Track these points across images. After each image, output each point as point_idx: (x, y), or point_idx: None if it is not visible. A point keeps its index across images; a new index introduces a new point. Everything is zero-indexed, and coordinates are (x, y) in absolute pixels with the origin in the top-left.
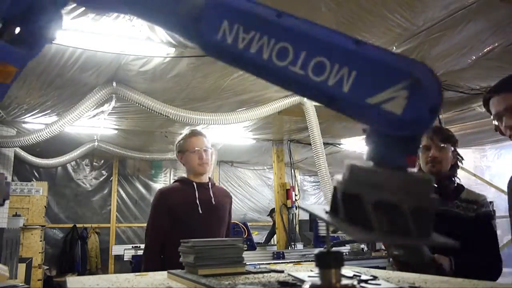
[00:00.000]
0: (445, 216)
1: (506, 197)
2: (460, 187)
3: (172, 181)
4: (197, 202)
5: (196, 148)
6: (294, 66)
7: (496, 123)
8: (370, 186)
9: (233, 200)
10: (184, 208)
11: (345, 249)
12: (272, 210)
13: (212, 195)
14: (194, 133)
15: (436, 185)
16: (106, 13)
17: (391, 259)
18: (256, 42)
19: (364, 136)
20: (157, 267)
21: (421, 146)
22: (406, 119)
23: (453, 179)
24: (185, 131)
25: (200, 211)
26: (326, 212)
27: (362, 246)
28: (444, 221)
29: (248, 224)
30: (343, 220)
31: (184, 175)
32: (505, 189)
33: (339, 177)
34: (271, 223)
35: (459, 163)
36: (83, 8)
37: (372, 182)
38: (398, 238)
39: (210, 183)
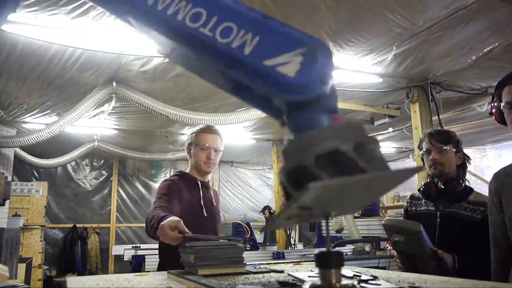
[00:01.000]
0: (452, 217)
1: None
2: (468, 189)
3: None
4: (202, 203)
5: (206, 145)
6: (204, 28)
7: (506, 111)
8: (305, 149)
9: (233, 200)
10: (189, 209)
11: (347, 249)
12: (265, 208)
13: (212, 196)
14: (208, 130)
15: (442, 187)
16: None
17: (394, 252)
18: (175, 5)
19: (284, 122)
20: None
21: (423, 150)
22: (297, 82)
23: (460, 180)
24: (200, 126)
25: (205, 214)
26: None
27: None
28: (452, 222)
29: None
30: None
31: (184, 169)
32: None
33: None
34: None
35: (467, 163)
36: (83, 8)
37: (305, 145)
38: (354, 177)
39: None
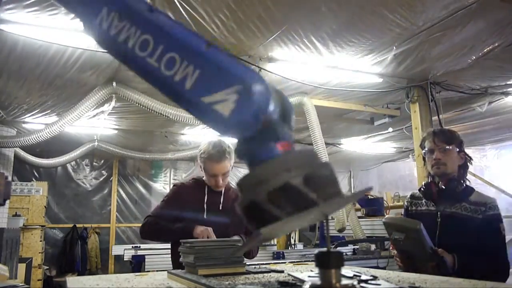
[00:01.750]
0: (453, 217)
1: (506, 197)
2: (470, 189)
3: (188, 178)
4: (204, 206)
5: (215, 173)
6: (151, 58)
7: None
8: (256, 186)
9: None
10: (190, 209)
11: (348, 249)
12: None
13: (221, 200)
14: (217, 158)
15: (443, 187)
16: None
17: (394, 251)
18: (126, 31)
19: (236, 154)
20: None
21: (426, 148)
22: (231, 121)
23: (462, 180)
24: (209, 145)
25: (205, 216)
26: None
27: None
28: (452, 222)
29: None
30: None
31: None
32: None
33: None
34: None
35: (469, 164)
36: None
37: (256, 182)
38: (307, 213)
39: (224, 189)
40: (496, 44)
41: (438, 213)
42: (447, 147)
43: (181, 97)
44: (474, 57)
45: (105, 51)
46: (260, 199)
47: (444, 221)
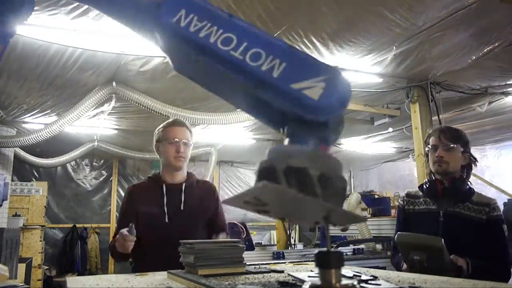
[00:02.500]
0: (457, 217)
1: (506, 197)
2: (471, 190)
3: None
4: (165, 209)
5: (175, 139)
6: (235, 52)
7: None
8: (282, 156)
9: None
10: (150, 216)
11: (348, 249)
12: None
13: (183, 199)
14: (175, 123)
15: (447, 186)
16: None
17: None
18: (206, 29)
19: (285, 131)
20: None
21: (430, 145)
22: (320, 104)
23: (465, 181)
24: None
25: (167, 220)
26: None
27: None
28: (455, 222)
29: (249, 224)
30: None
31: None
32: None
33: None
34: (272, 223)
35: (473, 165)
36: (83, 8)
37: (284, 153)
38: (305, 200)
39: (184, 184)
40: (496, 44)
41: (441, 212)
42: (452, 145)
43: (268, 84)
44: (474, 57)
45: (177, 42)
46: (279, 167)
47: (447, 221)
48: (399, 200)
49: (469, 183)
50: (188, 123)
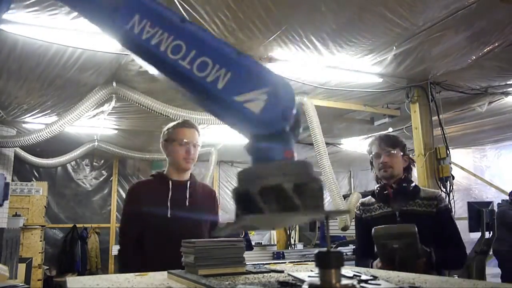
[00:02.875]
0: (411, 214)
1: (506, 196)
2: (417, 187)
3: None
4: (168, 204)
5: (185, 140)
6: (183, 61)
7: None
8: (253, 179)
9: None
10: (153, 212)
11: (348, 249)
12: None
13: (188, 196)
14: (186, 124)
15: (396, 188)
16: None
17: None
18: (158, 36)
19: (245, 149)
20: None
21: (373, 153)
22: (261, 118)
23: (410, 180)
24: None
25: (169, 215)
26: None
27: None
28: (411, 219)
29: None
30: (245, 217)
31: (165, 169)
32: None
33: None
34: None
35: (412, 166)
36: None
37: (255, 176)
38: (287, 214)
39: (189, 182)
40: (496, 44)
41: (397, 213)
42: (392, 151)
43: (212, 96)
44: (474, 57)
45: (132, 52)
46: (253, 191)
47: (404, 219)
48: (355, 210)
49: (413, 181)
50: (197, 125)
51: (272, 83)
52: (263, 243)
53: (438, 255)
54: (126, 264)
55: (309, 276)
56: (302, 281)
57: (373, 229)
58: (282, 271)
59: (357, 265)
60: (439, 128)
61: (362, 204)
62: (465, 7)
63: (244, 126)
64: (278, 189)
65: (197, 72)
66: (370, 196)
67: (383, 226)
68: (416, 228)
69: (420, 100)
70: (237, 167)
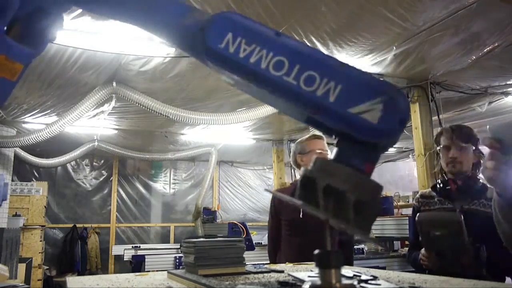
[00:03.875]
0: (474, 214)
1: None
2: (484, 186)
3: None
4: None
5: (318, 150)
6: (288, 77)
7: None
8: (325, 172)
9: (233, 200)
10: (287, 210)
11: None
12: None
13: None
14: (317, 136)
15: (461, 184)
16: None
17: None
18: (256, 54)
19: (335, 142)
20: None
21: (441, 145)
22: (379, 128)
23: (477, 178)
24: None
25: (301, 216)
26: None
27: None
28: (473, 219)
29: (248, 224)
30: (306, 201)
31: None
32: None
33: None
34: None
35: (482, 162)
36: None
37: (328, 170)
38: (337, 222)
39: None
40: (496, 44)
41: (457, 210)
42: (464, 145)
43: (324, 110)
44: (474, 57)
45: (231, 72)
46: (319, 182)
47: (465, 218)
48: (414, 202)
49: (480, 179)
50: (324, 136)
51: (385, 92)
52: (263, 243)
53: (490, 253)
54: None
55: (309, 276)
56: (302, 281)
57: (417, 215)
58: (282, 271)
59: (408, 257)
60: (439, 128)
61: (422, 196)
62: (465, 7)
63: (362, 137)
64: (341, 196)
65: (305, 87)
66: (430, 189)
67: (427, 213)
68: (462, 218)
69: (420, 100)
70: (237, 167)
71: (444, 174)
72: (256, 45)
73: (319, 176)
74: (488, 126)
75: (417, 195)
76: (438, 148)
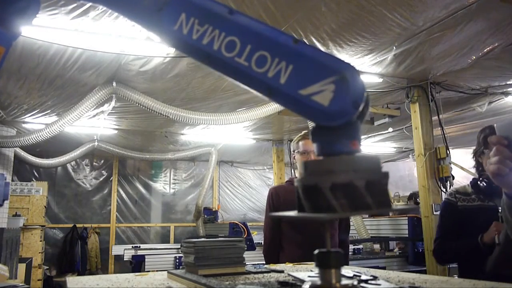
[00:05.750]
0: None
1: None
2: None
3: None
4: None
5: (307, 150)
6: (239, 58)
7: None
8: (323, 173)
9: (233, 200)
10: (285, 208)
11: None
12: (411, 196)
13: None
14: (306, 136)
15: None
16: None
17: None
18: (209, 34)
19: (310, 135)
20: (274, 260)
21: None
22: (331, 110)
23: None
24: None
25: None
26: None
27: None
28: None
29: (248, 224)
30: (309, 211)
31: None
32: None
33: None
34: None
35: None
36: (83, 8)
37: (324, 170)
38: (360, 212)
39: None
40: (496, 44)
41: (499, 208)
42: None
43: (275, 92)
44: (474, 57)
45: (185, 54)
46: (324, 186)
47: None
48: (449, 197)
49: None
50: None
51: (338, 71)
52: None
53: None
54: (267, 256)
55: (309, 276)
56: (302, 281)
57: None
58: (282, 271)
59: (440, 250)
60: (439, 128)
61: (458, 192)
62: (465, 7)
63: (315, 118)
64: (351, 187)
65: (256, 69)
66: (465, 186)
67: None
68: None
69: (420, 100)
70: (237, 167)
71: (482, 173)
72: (208, 25)
73: (318, 180)
74: (495, 125)
75: (452, 191)
76: (484, 149)
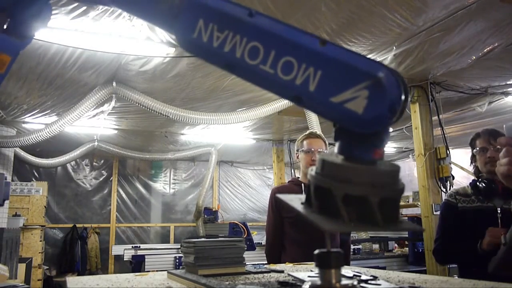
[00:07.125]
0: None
1: None
2: None
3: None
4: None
5: (312, 149)
6: (264, 65)
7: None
8: (340, 180)
9: (233, 200)
10: (288, 209)
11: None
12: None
13: None
14: (310, 135)
15: (497, 185)
16: (91, 5)
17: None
18: (230, 41)
19: (334, 131)
20: (276, 260)
21: (477, 148)
22: (366, 118)
23: None
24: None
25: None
26: (302, 203)
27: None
28: (510, 218)
29: (248, 224)
30: (315, 211)
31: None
32: None
33: (313, 171)
34: None
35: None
36: (83, 8)
37: (341, 177)
38: (366, 228)
39: None
40: (496, 44)
41: (498, 209)
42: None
43: (305, 100)
44: (474, 57)
45: (210, 63)
46: (337, 194)
47: (505, 217)
48: (449, 198)
49: None
50: (323, 137)
51: (371, 74)
52: (263, 243)
53: None
54: (269, 256)
55: (309, 276)
56: (302, 281)
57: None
58: (282, 271)
59: (440, 250)
60: (439, 128)
61: (458, 193)
62: (465, 7)
63: (349, 126)
64: (364, 201)
65: (283, 76)
66: (465, 187)
67: None
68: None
69: (420, 100)
70: (237, 167)
71: (480, 175)
72: (229, 30)
73: (333, 186)
74: (504, 125)
75: (452, 192)
76: (475, 151)
